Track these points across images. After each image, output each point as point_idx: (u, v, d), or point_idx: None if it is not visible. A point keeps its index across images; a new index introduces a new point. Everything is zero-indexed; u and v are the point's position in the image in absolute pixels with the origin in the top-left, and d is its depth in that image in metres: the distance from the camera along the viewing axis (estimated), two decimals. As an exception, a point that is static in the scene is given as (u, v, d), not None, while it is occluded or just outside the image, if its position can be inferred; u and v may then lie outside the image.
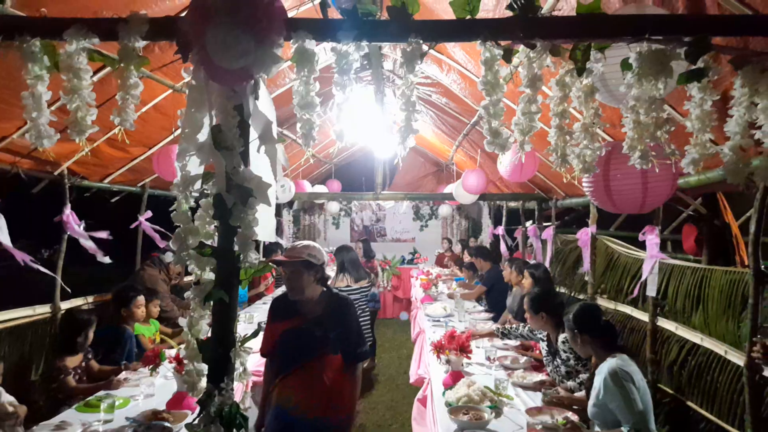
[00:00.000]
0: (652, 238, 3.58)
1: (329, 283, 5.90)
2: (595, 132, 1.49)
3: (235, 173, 1.40)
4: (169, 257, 4.90)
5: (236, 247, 1.42)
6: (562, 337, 3.27)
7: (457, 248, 9.87)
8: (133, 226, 5.12)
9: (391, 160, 10.79)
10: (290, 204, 10.93)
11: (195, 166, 1.47)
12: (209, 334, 1.47)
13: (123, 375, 3.40)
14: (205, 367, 1.47)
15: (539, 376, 3.37)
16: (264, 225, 1.47)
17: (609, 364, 2.50)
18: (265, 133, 1.46)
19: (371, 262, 7.13)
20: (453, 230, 11.34)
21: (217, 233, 1.46)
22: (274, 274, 7.40)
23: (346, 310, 2.47)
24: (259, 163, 1.48)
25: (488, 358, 3.73)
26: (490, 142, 1.45)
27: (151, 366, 3.19)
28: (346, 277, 5.27)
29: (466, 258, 8.27)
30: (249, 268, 1.46)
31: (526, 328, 3.79)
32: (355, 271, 5.35)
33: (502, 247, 7.80)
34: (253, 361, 3.87)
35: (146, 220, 5.10)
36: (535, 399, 3.06)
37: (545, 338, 3.51)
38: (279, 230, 10.14)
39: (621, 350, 2.64)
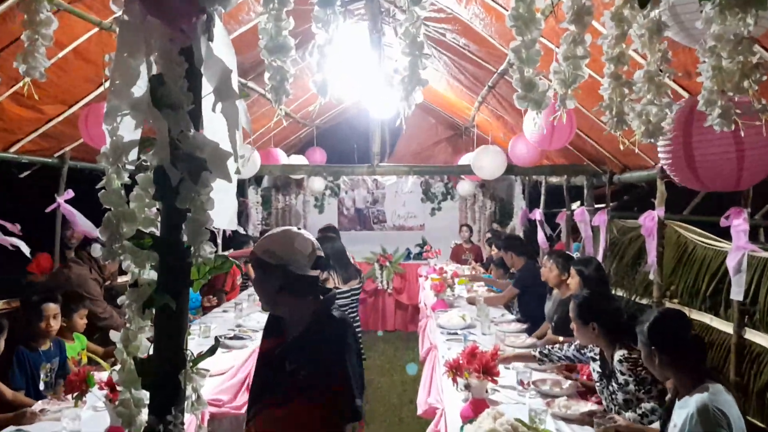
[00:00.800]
0: (739, 223, 3.59)
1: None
2: (663, 82, 1.48)
3: (182, 139, 1.39)
4: (97, 251, 4.92)
5: (185, 238, 1.43)
6: (619, 354, 3.30)
7: (478, 239, 9.92)
8: (49, 209, 5.14)
9: (393, 122, 10.71)
10: (258, 180, 10.95)
11: (129, 129, 1.47)
12: (150, 352, 1.48)
13: (39, 405, 3.43)
14: (145, 395, 1.48)
15: (588, 406, 3.41)
16: (222, 208, 1.48)
17: (699, 398, 2.51)
18: (222, 85, 1.46)
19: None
20: (475, 214, 11.37)
21: (159, 219, 1.47)
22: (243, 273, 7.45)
23: (332, 341, 2.23)
24: (214, 126, 1.48)
25: (521, 383, 3.77)
26: (521, 96, 1.45)
27: (75, 394, 3.22)
28: (331, 276, 5.31)
29: (493, 252, 8.32)
30: (203, 264, 1.46)
31: (572, 347, 3.82)
32: (342, 269, 5.38)
33: (540, 237, 7.85)
34: (211, 387, 3.92)
35: (67, 201, 5.12)
36: (582, 434, 3.10)
37: (597, 356, 3.54)
38: (244, 216, 10.18)
39: (710, 375, 2.66)
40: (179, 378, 1.47)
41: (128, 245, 1.45)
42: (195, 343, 4.79)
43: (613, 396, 3.34)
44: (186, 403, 1.50)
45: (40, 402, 3.53)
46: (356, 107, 9.93)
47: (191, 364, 1.49)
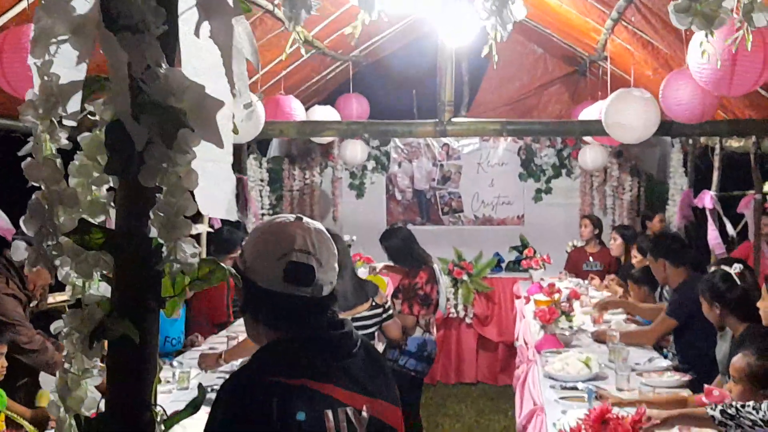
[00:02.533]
0: None
1: None
2: None
3: (150, 79, 1.42)
4: (19, 252, 4.95)
5: (153, 233, 1.46)
6: None
7: (614, 241, 9.81)
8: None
9: (475, 54, 10.67)
10: (261, 146, 11.05)
11: (69, 65, 1.51)
12: (102, 408, 1.53)
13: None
14: (94, 476, 1.54)
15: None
16: (213, 188, 1.51)
17: None
18: (209, -4, 1.49)
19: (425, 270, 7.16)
20: (605, 200, 11.26)
21: (114, 203, 1.51)
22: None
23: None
24: (199, 60, 1.51)
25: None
26: (682, 7, 1.44)
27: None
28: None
29: (635, 258, 8.24)
30: (181, 273, 1.49)
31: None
32: (342, 288, 5.38)
33: (712, 236, 7.73)
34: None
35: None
36: None
37: None
38: (240, 200, 10.30)
39: None
40: (145, 449, 1.51)
41: (67, 243, 1.50)
42: (169, 398, 4.94)
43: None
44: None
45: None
46: (416, 31, 9.92)
47: (163, 427, 1.53)
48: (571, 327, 6.88)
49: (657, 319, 6.50)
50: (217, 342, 6.67)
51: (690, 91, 5.87)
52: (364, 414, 2.23)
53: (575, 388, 5.25)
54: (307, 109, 8.69)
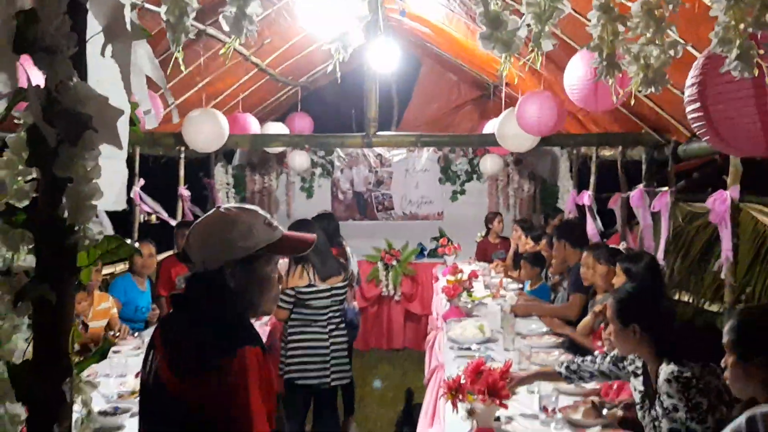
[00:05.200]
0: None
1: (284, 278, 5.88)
2: (665, 16, 1.52)
3: (62, 90, 1.45)
4: None
5: (66, 214, 1.49)
6: (666, 371, 3.33)
7: (514, 231, 9.89)
8: None
9: (402, 80, 10.83)
10: (228, 156, 11.03)
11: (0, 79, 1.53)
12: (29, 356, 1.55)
13: None
14: (21, 411, 1.55)
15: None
16: (107, 182, 1.53)
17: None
18: (112, 21, 1.52)
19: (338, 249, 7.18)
20: (507, 199, 11.39)
21: (35, 191, 1.53)
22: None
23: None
24: (103, 75, 1.54)
25: (545, 410, 3.82)
26: (486, 36, 1.50)
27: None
28: (307, 271, 5.39)
29: (528, 245, 8.33)
30: (90, 246, 1.52)
31: (608, 360, 3.87)
32: (320, 262, 5.45)
33: (590, 227, 7.84)
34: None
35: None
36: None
37: (640, 371, 3.59)
38: (210, 201, 10.28)
39: None
40: (63, 389, 1.54)
41: (-3, 223, 1.52)
42: (139, 360, 4.88)
43: (656, 423, 3.37)
44: (74, 418, 1.58)
45: None
46: (354, 60, 9.94)
47: (76, 369, 1.56)
48: (471, 301, 6.97)
49: (569, 301, 6.28)
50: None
51: (540, 106, 5.96)
52: None
53: (469, 349, 5.34)
54: (262, 125, 8.69)
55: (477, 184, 11.53)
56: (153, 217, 8.27)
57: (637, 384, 3.60)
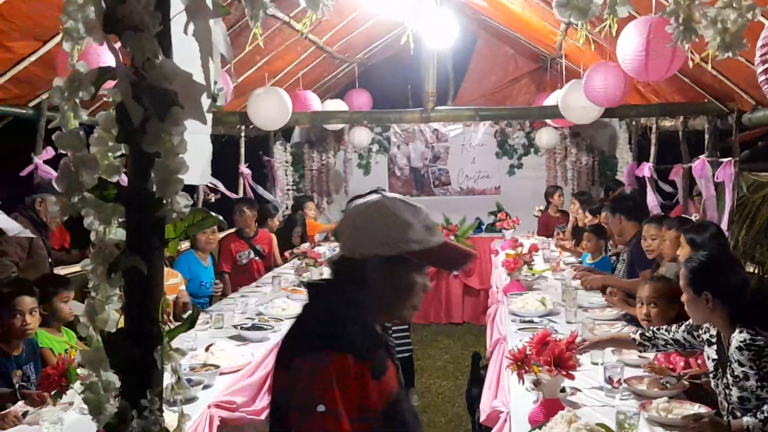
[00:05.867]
0: None
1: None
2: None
3: (148, 68, 1.49)
4: (51, 205, 4.97)
5: (154, 188, 1.53)
6: (738, 339, 3.30)
7: (572, 205, 9.82)
8: (24, 172, 5.36)
9: (457, 55, 10.78)
10: (286, 134, 11.12)
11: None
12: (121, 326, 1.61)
13: (19, 406, 3.66)
14: (115, 378, 1.61)
15: (695, 408, 3.44)
16: (193, 157, 1.57)
17: None
18: (195, 1, 1.55)
19: None
20: (566, 173, 11.29)
21: (126, 166, 1.58)
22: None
23: None
24: (184, 53, 1.57)
25: (610, 381, 3.81)
26: (562, 3, 1.49)
27: (53, 391, 3.42)
28: None
29: (587, 219, 8.27)
30: (178, 219, 1.57)
31: (683, 328, 3.84)
32: None
33: (651, 199, 7.76)
34: (223, 386, 4.10)
35: (46, 161, 5.34)
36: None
37: (714, 339, 3.56)
38: (270, 178, 10.39)
39: None
40: (155, 356, 1.59)
41: (90, 197, 1.57)
42: (207, 335, 5.04)
43: (727, 391, 3.36)
44: (165, 384, 1.63)
45: (21, 402, 3.74)
46: (411, 37, 9.93)
47: (167, 338, 1.61)
48: (532, 274, 6.94)
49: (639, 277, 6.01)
50: (249, 291, 6.78)
51: (606, 77, 5.91)
52: None
53: (532, 322, 5.33)
54: (323, 101, 8.76)
55: (534, 157, 11.42)
56: (211, 196, 8.42)
57: (710, 352, 3.58)
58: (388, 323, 2.37)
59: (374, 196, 2.16)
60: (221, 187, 8.10)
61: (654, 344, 3.95)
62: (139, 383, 1.58)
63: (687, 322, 3.81)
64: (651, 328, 4.05)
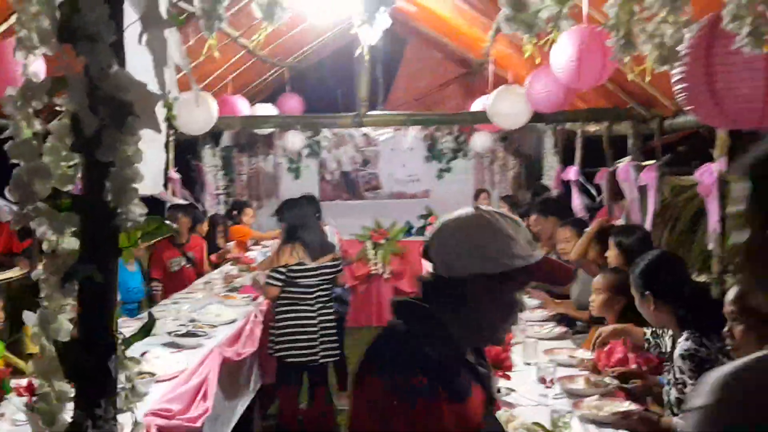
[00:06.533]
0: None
1: (267, 257, 5.95)
2: (680, -3, 1.58)
3: (103, 78, 1.50)
4: (4, 214, 4.87)
5: (109, 197, 1.53)
6: (684, 345, 3.41)
7: (501, 209, 9.94)
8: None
9: (388, 60, 10.85)
10: (215, 138, 11.02)
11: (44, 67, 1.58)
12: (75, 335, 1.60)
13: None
14: (68, 388, 1.61)
15: (625, 405, 3.55)
16: (149, 167, 1.58)
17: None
18: (148, 10, 1.56)
19: None
20: (494, 177, 11.48)
21: (80, 175, 1.58)
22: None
23: None
24: (137, 63, 1.58)
25: (542, 380, 3.91)
26: (508, 17, 1.55)
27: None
28: (297, 250, 5.44)
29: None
30: (132, 228, 1.57)
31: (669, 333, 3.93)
32: (312, 241, 5.50)
33: (576, 203, 7.92)
34: (159, 394, 4.06)
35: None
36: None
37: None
38: (198, 184, 10.28)
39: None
40: (109, 365, 1.59)
41: (43, 206, 1.56)
42: (140, 343, 4.95)
43: (668, 389, 3.48)
44: (120, 394, 1.64)
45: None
46: (339, 40, 9.97)
47: (123, 347, 1.61)
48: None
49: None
50: (181, 297, 6.70)
51: (546, 85, 6.04)
52: None
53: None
54: (252, 105, 8.72)
55: (463, 161, 11.56)
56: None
57: (669, 343, 3.77)
58: (483, 345, 2.20)
59: (468, 210, 2.07)
60: (168, 196, 7.98)
61: (657, 344, 4.00)
62: (93, 392, 1.58)
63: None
64: (659, 331, 4.05)
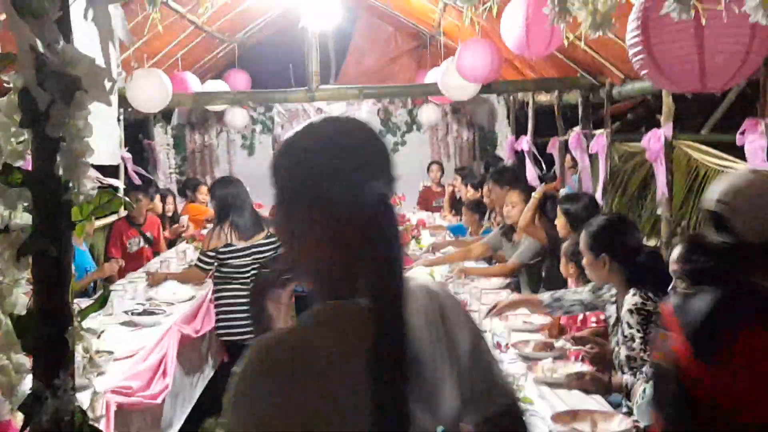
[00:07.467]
0: (754, 138, 3.80)
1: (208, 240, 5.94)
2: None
3: (50, 53, 1.51)
4: None
5: (60, 172, 1.55)
6: (630, 302, 3.49)
7: (455, 180, 10.06)
8: None
9: (339, 36, 10.82)
10: (166, 116, 10.93)
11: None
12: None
13: None
14: (26, 360, 1.64)
15: (577, 367, 3.65)
16: (102, 138, 1.60)
17: None
18: (93, -14, 1.58)
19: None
20: (448, 148, 11.55)
21: (30, 151, 1.59)
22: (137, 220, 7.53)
23: None
24: (85, 39, 1.59)
25: (497, 345, 3.99)
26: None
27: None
28: (225, 232, 5.42)
29: (468, 193, 8.47)
30: (85, 202, 1.60)
31: (587, 289, 4.01)
32: (241, 221, 5.48)
33: (529, 173, 8.02)
34: (118, 372, 4.07)
35: None
36: (568, 400, 3.35)
37: (614, 298, 3.78)
38: (151, 161, 10.21)
39: None
40: (66, 337, 1.62)
41: (-6, 182, 1.58)
42: (97, 322, 4.94)
43: (617, 349, 3.55)
44: (77, 364, 1.67)
45: None
46: (289, 15, 9.91)
47: (79, 319, 1.64)
48: (419, 248, 7.11)
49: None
50: (136, 276, 6.66)
51: (474, 53, 6.10)
52: None
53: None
54: (202, 82, 8.67)
55: (417, 134, 11.64)
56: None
57: (611, 311, 3.79)
58: None
59: (754, 174, 1.99)
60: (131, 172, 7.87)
61: (560, 306, 4.08)
62: (51, 364, 1.60)
63: (592, 283, 3.98)
64: (559, 291, 4.20)
